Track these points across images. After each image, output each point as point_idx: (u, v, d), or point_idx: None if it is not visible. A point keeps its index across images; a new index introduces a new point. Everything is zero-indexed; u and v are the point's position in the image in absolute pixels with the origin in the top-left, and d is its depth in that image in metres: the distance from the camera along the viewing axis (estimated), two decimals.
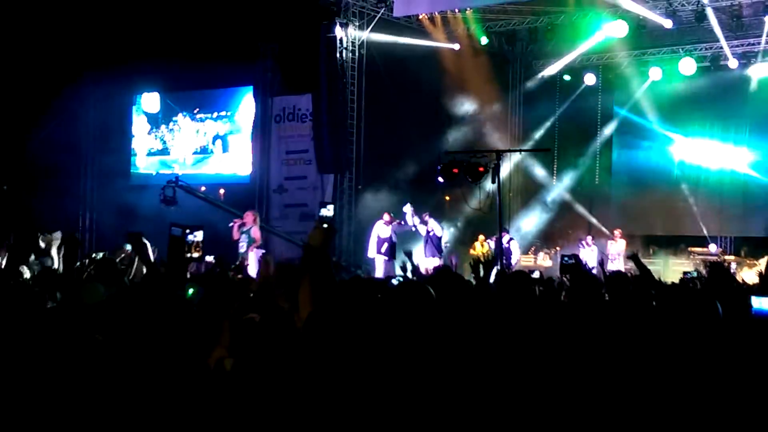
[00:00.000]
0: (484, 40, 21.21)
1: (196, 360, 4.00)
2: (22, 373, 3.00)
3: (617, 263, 18.46)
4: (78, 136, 23.82)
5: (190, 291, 5.31)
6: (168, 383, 3.04)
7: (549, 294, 7.53)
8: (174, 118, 24.11)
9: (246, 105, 23.07)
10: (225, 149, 23.40)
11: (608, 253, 18.83)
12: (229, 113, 23.45)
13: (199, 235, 4.71)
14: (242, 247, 15.99)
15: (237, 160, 23.14)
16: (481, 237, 19.21)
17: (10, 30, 19.79)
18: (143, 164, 24.18)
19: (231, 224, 16.77)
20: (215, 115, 23.61)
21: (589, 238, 19.47)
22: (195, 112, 23.86)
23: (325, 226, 5.21)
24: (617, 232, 19.48)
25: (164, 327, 4.53)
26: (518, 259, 19.01)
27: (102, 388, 2.64)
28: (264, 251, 11.06)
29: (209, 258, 11.79)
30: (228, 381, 3.83)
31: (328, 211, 5.15)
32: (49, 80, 20.87)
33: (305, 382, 3.31)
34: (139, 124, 24.41)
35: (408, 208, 17.99)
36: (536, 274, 9.99)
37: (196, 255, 4.76)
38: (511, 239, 19.02)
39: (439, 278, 6.80)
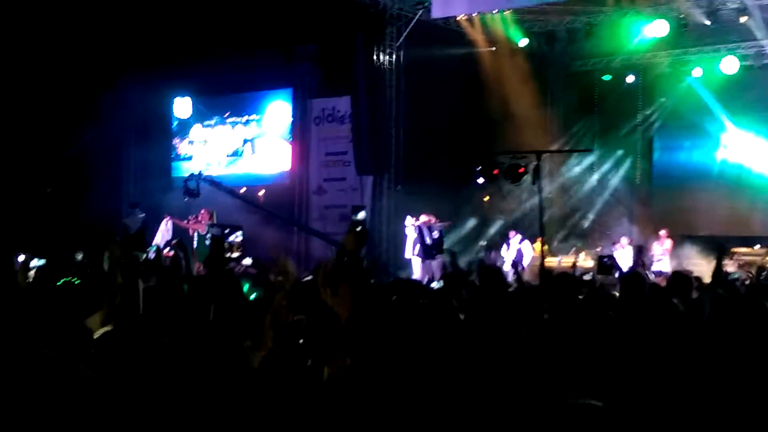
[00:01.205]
0: (523, 42, 21.13)
1: (243, 362, 4.03)
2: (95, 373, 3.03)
3: (662, 264, 18.28)
4: (120, 138, 24.14)
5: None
6: (218, 386, 3.05)
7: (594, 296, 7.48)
8: (206, 123, 24.34)
9: (273, 109, 23.30)
10: (253, 152, 23.59)
11: (652, 253, 18.66)
12: (258, 117, 23.63)
13: (238, 236, 4.77)
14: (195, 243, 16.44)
15: (265, 163, 23.32)
16: (539, 239, 19.21)
17: (52, 33, 20.09)
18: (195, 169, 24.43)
19: (186, 221, 17.39)
20: (245, 119, 23.81)
21: (624, 239, 19.29)
22: (226, 116, 24.08)
23: (359, 229, 5.24)
24: (663, 233, 19.29)
25: (214, 327, 4.58)
26: (531, 260, 18.74)
27: (162, 389, 2.66)
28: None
29: (247, 260, 11.89)
30: (276, 383, 3.85)
31: (361, 214, 5.21)
32: (91, 82, 21.15)
33: (351, 383, 3.31)
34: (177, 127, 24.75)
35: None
36: (588, 276, 9.93)
37: (235, 255, 4.82)
38: (523, 240, 18.86)
39: (485, 279, 6.83)
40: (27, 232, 16.14)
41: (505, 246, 19.01)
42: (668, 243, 18.99)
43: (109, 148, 23.17)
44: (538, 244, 19.11)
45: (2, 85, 20.01)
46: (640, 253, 10.41)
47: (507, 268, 16.97)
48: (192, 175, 19.63)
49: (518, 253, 18.19)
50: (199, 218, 17.83)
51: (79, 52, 20.49)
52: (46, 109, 19.30)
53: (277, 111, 23.37)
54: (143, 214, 17.07)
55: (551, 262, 18.47)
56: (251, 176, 23.20)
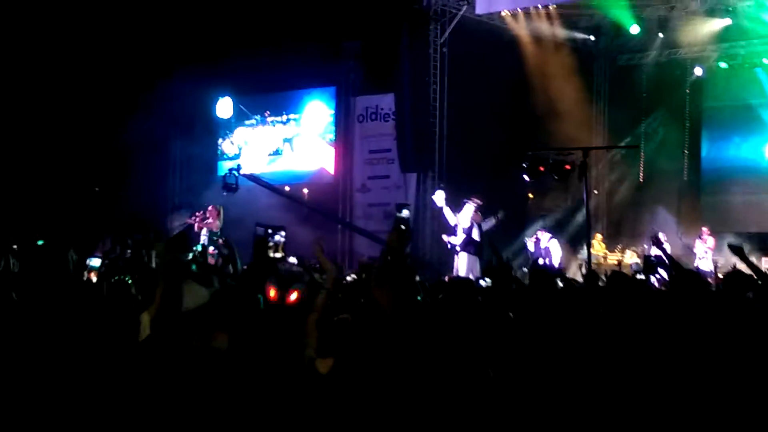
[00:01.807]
0: (568, 36, 20.95)
1: (291, 360, 4.01)
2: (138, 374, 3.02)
3: (705, 262, 18.02)
4: (165, 135, 24.37)
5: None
6: (267, 384, 3.03)
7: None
8: (247, 123, 24.48)
9: (313, 108, 23.38)
10: (293, 151, 23.70)
11: (695, 251, 18.47)
12: (297, 116, 23.71)
13: (281, 236, 4.74)
14: (203, 239, 16.47)
15: (305, 161, 23.44)
16: (599, 235, 19.04)
17: (99, 30, 20.34)
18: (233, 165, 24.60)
19: (193, 217, 17.49)
20: (285, 118, 23.91)
21: (661, 236, 19.06)
22: (267, 115, 24.19)
23: (403, 227, 5.21)
24: (705, 230, 19.02)
25: (260, 327, 4.56)
26: (561, 259, 18.46)
27: (209, 388, 2.65)
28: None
29: (292, 259, 11.90)
30: (324, 382, 3.82)
31: (405, 212, 5.16)
32: (137, 79, 21.36)
33: (399, 378, 3.26)
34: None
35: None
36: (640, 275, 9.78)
37: (278, 255, 4.79)
38: (551, 238, 18.61)
39: (536, 280, 6.74)
40: (78, 231, 16.34)
41: (532, 243, 18.80)
42: (711, 241, 18.72)
43: (155, 145, 23.39)
44: (597, 242, 18.93)
45: (51, 82, 20.31)
46: (659, 243, 9.84)
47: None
48: (231, 170, 19.82)
49: (545, 251, 17.99)
50: (207, 215, 17.99)
51: (127, 48, 20.69)
52: (93, 106, 19.48)
53: (316, 110, 23.44)
54: (188, 215, 17.20)
55: (597, 260, 18.33)
56: (291, 174, 23.28)
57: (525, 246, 19.12)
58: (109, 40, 20.67)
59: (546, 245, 18.21)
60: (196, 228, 17.75)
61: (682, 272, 6.35)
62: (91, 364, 2.98)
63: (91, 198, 20.15)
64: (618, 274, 6.86)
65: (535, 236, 18.81)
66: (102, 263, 7.05)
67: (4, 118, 20.10)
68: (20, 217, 17.60)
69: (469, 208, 17.17)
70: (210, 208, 18.18)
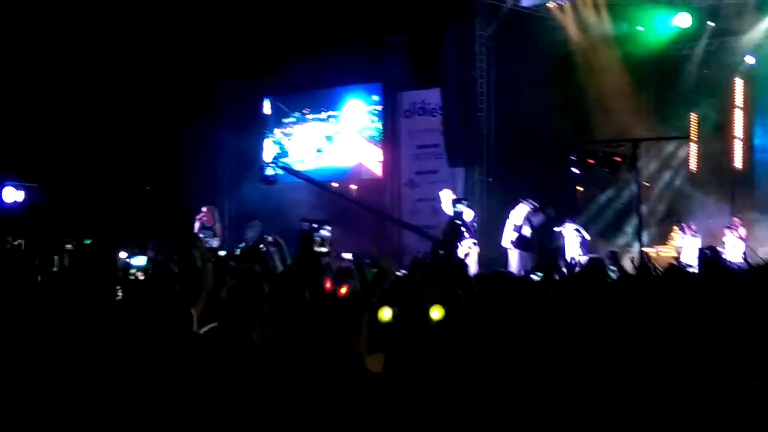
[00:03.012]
0: (616, 27, 20.67)
1: (339, 355, 4.00)
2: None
3: (735, 252, 17.69)
4: (215, 136, 24.61)
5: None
6: (315, 379, 3.02)
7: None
8: (285, 121, 24.61)
9: (352, 104, 23.41)
10: (332, 147, 23.75)
11: (724, 240, 18.20)
12: (336, 113, 23.77)
13: (327, 231, 4.76)
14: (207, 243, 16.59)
15: (344, 158, 23.51)
16: (675, 227, 18.81)
17: (151, 33, 20.62)
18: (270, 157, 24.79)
19: (196, 219, 17.67)
20: (324, 115, 23.99)
21: (693, 225, 18.77)
22: (305, 113, 24.30)
23: (458, 222, 5.18)
24: (736, 219, 18.71)
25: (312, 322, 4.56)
26: (580, 247, 18.11)
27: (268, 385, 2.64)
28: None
29: (347, 255, 11.91)
30: (374, 379, 3.80)
31: (462, 206, 5.04)
32: (190, 79, 21.64)
33: (447, 379, 3.24)
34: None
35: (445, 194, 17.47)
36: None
37: (324, 249, 4.81)
38: (577, 230, 18.24)
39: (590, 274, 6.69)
40: (128, 229, 16.57)
41: (681, 234, 18.63)
42: (743, 231, 18.39)
43: (205, 144, 23.66)
44: (675, 233, 18.65)
45: (106, 83, 20.65)
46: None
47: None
48: (268, 164, 20.00)
49: (561, 238, 17.78)
50: (202, 216, 18.38)
51: (180, 49, 20.94)
52: (146, 107, 19.76)
53: (355, 107, 23.49)
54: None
55: (650, 252, 18.06)
56: (332, 171, 23.36)
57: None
58: (157, 41, 20.92)
59: (570, 235, 17.98)
60: (196, 227, 18.29)
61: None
62: (139, 360, 3.00)
63: (143, 197, 20.39)
64: (674, 269, 6.76)
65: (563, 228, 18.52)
66: (149, 261, 7.14)
67: (59, 119, 20.49)
68: (75, 216, 17.93)
69: (523, 208, 17.16)
70: (204, 209, 18.70)
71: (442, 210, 17.56)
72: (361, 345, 4.27)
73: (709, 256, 8.62)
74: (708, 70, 21.78)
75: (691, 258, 16.74)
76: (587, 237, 17.94)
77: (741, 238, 18.40)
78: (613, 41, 20.93)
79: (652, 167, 22.01)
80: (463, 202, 5.26)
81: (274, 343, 4.28)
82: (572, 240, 18.16)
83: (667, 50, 22.36)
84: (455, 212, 4.86)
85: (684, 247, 18.37)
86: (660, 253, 19.22)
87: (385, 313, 4.70)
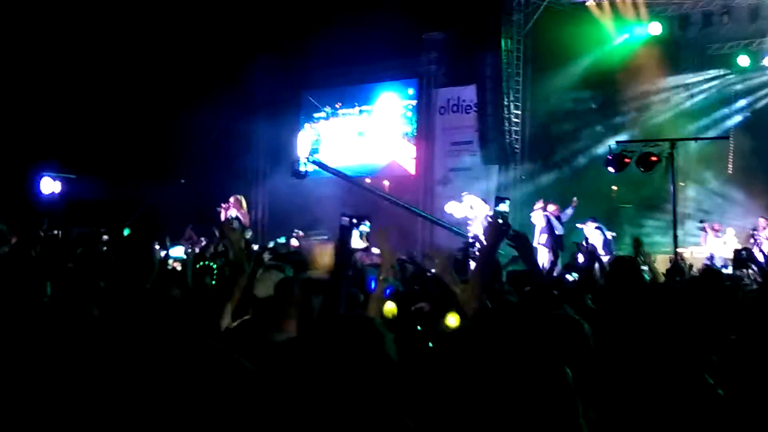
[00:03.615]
0: (655, 25, 20.46)
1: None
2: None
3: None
4: (249, 131, 24.74)
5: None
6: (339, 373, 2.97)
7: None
8: (316, 115, 24.64)
9: (384, 100, 23.34)
10: (365, 143, 23.71)
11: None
12: (369, 108, 23.76)
13: (366, 226, 4.75)
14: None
15: (376, 154, 23.44)
16: (732, 230, 18.66)
17: (183, 28, 20.78)
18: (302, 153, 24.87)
19: (219, 209, 17.56)
20: (357, 110, 23.99)
21: (717, 225, 18.52)
22: (337, 107, 24.32)
23: (500, 221, 5.14)
24: (762, 220, 18.45)
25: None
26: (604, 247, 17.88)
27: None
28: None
29: (375, 250, 11.79)
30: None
31: (504, 206, 5.10)
32: (224, 74, 21.74)
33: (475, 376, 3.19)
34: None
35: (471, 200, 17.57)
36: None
37: (364, 244, 4.79)
38: (598, 228, 18.06)
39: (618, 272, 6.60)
40: (164, 221, 16.72)
41: (704, 235, 18.49)
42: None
43: (238, 138, 23.80)
44: (728, 234, 18.42)
45: (143, 76, 20.83)
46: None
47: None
48: (298, 157, 20.09)
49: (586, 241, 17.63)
50: (231, 206, 18.26)
51: (215, 42, 21.07)
52: (182, 101, 19.90)
53: (389, 102, 23.47)
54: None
55: (684, 251, 17.86)
56: (364, 167, 23.38)
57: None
58: (193, 35, 21.06)
59: (591, 235, 17.86)
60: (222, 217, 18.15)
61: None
62: (173, 352, 3.01)
63: (178, 189, 20.54)
64: (711, 271, 6.68)
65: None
66: (186, 253, 7.19)
67: (96, 112, 20.70)
68: (111, 207, 18.10)
69: (550, 207, 17.19)
70: (232, 199, 18.53)
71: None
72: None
73: (745, 257, 8.43)
74: (747, 69, 21.54)
75: (718, 258, 16.52)
76: (609, 236, 17.75)
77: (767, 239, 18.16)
78: (652, 39, 20.74)
79: (690, 167, 21.80)
80: (506, 201, 5.28)
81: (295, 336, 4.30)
82: (595, 239, 17.99)
83: (707, 50, 22.14)
84: (497, 212, 4.88)
85: (709, 248, 18.14)
86: (693, 254, 19.04)
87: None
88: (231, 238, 5.15)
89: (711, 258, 17.09)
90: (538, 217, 17.44)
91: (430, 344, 4.52)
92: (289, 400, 2.52)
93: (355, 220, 4.62)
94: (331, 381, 2.56)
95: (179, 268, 6.09)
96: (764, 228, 18.38)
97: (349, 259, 4.85)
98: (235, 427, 2.34)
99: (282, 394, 2.53)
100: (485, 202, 17.67)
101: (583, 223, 17.97)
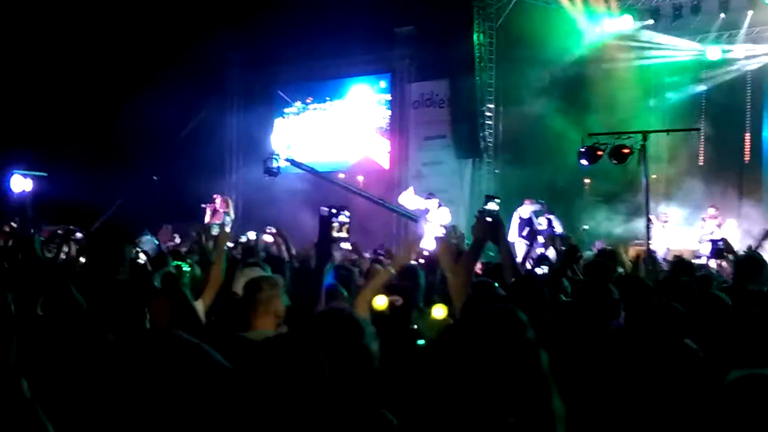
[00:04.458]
0: (626, 20, 20.59)
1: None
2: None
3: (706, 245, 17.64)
4: (223, 128, 24.68)
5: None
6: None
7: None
8: (287, 111, 24.58)
9: (356, 92, 23.34)
10: (337, 138, 23.68)
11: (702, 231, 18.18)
12: (341, 102, 23.73)
13: (345, 216, 4.77)
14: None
15: (348, 149, 23.40)
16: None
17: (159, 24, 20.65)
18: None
19: (204, 206, 17.54)
20: (328, 104, 23.94)
21: (663, 215, 18.71)
22: (308, 102, 24.26)
23: (489, 219, 5.17)
24: (711, 210, 18.66)
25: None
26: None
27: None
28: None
29: (346, 245, 11.77)
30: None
31: (492, 205, 5.10)
32: (197, 70, 21.65)
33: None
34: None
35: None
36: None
37: (343, 235, 4.81)
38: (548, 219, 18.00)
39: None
40: (137, 219, 16.59)
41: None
42: (720, 220, 18.34)
43: (211, 134, 23.70)
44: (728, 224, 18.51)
45: (112, 73, 20.69)
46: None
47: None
48: (272, 155, 20.08)
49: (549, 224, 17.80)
50: (218, 206, 18.23)
51: (185, 39, 20.94)
52: (153, 97, 19.75)
53: (362, 95, 23.44)
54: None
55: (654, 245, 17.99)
56: (335, 162, 23.35)
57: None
58: (163, 30, 20.95)
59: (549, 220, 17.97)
60: (208, 218, 18.07)
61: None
62: (145, 347, 2.96)
63: (151, 186, 20.43)
64: (682, 262, 6.74)
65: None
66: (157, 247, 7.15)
67: (66, 109, 20.54)
68: (84, 205, 17.97)
69: (528, 207, 17.29)
70: (219, 199, 18.52)
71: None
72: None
73: (722, 247, 8.48)
74: (719, 63, 21.72)
75: (660, 248, 16.57)
76: (558, 229, 17.78)
77: (718, 226, 18.34)
78: (623, 33, 20.87)
79: (661, 159, 21.95)
80: (496, 199, 5.24)
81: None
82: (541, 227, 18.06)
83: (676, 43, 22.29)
84: (486, 210, 4.89)
85: (655, 236, 18.26)
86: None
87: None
88: (220, 245, 5.10)
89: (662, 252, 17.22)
90: (525, 211, 17.50)
91: (421, 342, 4.51)
92: (267, 397, 2.50)
93: (334, 210, 4.63)
94: (310, 374, 2.54)
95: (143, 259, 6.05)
96: (713, 217, 18.52)
97: (330, 248, 4.86)
98: (210, 425, 2.32)
99: (259, 392, 2.50)
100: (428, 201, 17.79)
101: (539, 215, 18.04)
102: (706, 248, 17.34)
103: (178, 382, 2.29)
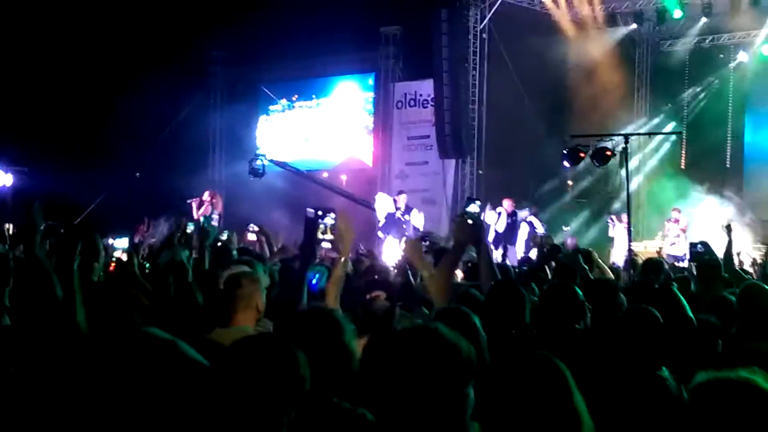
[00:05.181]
0: (609, 22, 20.69)
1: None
2: None
3: (678, 247, 17.73)
4: (207, 125, 24.61)
5: (315, 273, 5.36)
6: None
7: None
8: (272, 108, 24.52)
9: (342, 91, 23.30)
10: (322, 136, 23.65)
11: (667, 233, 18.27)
12: (326, 100, 23.71)
13: (331, 218, 4.76)
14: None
15: (333, 148, 23.37)
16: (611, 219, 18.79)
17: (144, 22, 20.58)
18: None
19: (190, 201, 17.47)
20: (314, 102, 23.90)
21: (624, 216, 18.83)
22: (294, 99, 24.22)
23: (470, 221, 5.16)
24: (675, 213, 18.76)
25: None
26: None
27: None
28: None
29: (326, 244, 11.65)
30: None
31: (473, 207, 5.12)
32: (181, 67, 21.58)
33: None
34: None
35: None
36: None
37: (329, 237, 4.80)
38: (531, 213, 18.21)
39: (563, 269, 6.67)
40: (117, 214, 16.51)
41: (610, 225, 18.69)
42: (684, 222, 18.45)
43: (196, 130, 23.64)
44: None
45: (96, 68, 20.59)
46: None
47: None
48: (257, 155, 20.07)
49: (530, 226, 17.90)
50: (209, 199, 18.13)
51: (169, 35, 20.87)
52: (138, 94, 19.68)
53: (348, 93, 23.41)
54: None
55: (637, 247, 18.05)
56: (320, 161, 23.33)
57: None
58: (147, 25, 20.88)
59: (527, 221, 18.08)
60: (195, 214, 17.94)
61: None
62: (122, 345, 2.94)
63: (133, 183, 20.35)
64: (652, 262, 6.77)
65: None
66: (132, 244, 7.09)
67: (48, 104, 20.43)
68: (64, 201, 17.86)
69: (492, 213, 17.40)
70: (209, 193, 18.43)
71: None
72: None
73: (701, 250, 8.52)
74: (701, 66, 21.86)
75: (620, 252, 16.64)
76: (539, 230, 17.84)
77: (682, 229, 18.44)
78: (607, 36, 20.96)
79: (644, 162, 22.07)
80: (476, 201, 5.24)
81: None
82: (524, 232, 18.12)
83: (661, 46, 22.43)
84: (467, 213, 4.90)
85: (617, 237, 18.33)
86: (647, 248, 19.27)
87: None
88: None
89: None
90: (491, 216, 17.59)
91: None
92: (244, 396, 2.48)
93: (320, 212, 4.62)
94: (288, 372, 2.53)
95: (124, 258, 6.02)
96: (676, 221, 18.60)
97: (314, 250, 4.85)
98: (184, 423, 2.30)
99: (232, 389, 2.48)
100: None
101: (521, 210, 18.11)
102: (676, 250, 17.50)
103: (152, 379, 2.28)
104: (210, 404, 2.40)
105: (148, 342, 2.43)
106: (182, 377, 2.34)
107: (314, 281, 5.44)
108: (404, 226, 17.27)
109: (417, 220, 17.84)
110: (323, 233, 4.60)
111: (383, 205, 18.12)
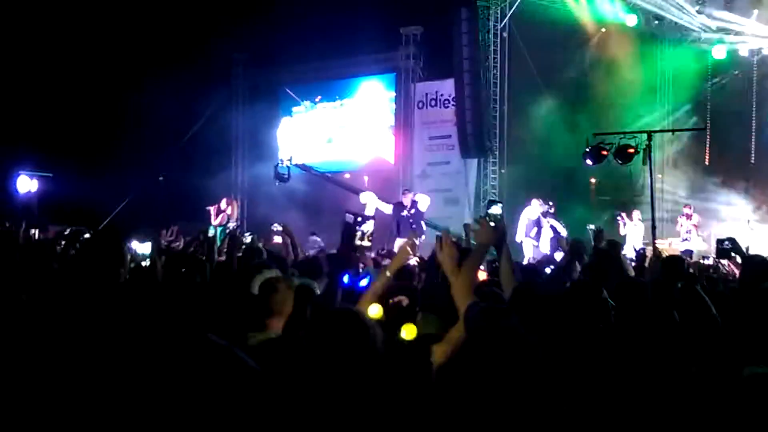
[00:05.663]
0: (631, 18, 20.57)
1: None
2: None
3: (691, 243, 17.63)
4: (229, 128, 24.72)
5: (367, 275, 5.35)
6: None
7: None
8: (295, 109, 24.55)
9: (366, 92, 23.29)
10: (345, 136, 23.67)
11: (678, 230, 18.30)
12: (350, 101, 23.70)
13: (369, 226, 4.74)
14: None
15: (358, 149, 23.39)
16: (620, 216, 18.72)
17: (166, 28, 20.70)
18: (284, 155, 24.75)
19: (209, 207, 17.56)
20: (338, 103, 23.90)
21: (635, 213, 18.67)
22: (317, 100, 24.23)
23: (492, 224, 5.16)
24: (687, 209, 18.65)
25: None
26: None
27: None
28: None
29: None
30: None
31: (497, 208, 5.09)
32: (205, 70, 21.67)
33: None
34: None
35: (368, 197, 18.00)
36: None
37: (366, 243, 4.78)
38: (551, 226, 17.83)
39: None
40: (142, 219, 16.61)
41: (619, 223, 18.61)
42: (696, 218, 18.32)
43: (219, 134, 23.76)
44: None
45: (120, 73, 20.72)
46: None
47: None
48: (282, 160, 20.16)
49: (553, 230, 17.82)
50: (225, 207, 18.27)
51: (192, 38, 20.96)
52: (162, 96, 19.78)
53: (372, 93, 23.40)
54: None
55: (661, 244, 17.95)
56: (345, 162, 23.34)
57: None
58: (174, 28, 20.99)
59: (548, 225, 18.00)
60: (213, 219, 18.20)
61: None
62: (173, 348, 2.97)
63: (157, 186, 20.44)
64: (674, 259, 6.72)
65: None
66: (155, 250, 7.11)
67: (73, 110, 20.58)
68: (90, 206, 18.00)
69: (536, 204, 17.31)
70: (228, 201, 18.58)
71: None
72: None
73: (729, 247, 8.33)
74: (724, 62, 21.69)
75: (634, 246, 16.55)
76: (563, 233, 17.74)
77: (695, 225, 18.33)
78: (629, 32, 20.85)
79: (667, 159, 21.94)
80: (499, 203, 5.18)
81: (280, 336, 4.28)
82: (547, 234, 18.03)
83: (683, 42, 22.26)
84: (489, 215, 4.88)
85: (628, 235, 18.23)
86: (672, 245, 19.17)
87: (373, 310, 4.68)
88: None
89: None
90: (533, 212, 17.50)
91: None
92: (286, 397, 2.51)
93: (359, 219, 4.61)
94: (320, 374, 2.55)
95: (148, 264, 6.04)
96: (688, 216, 18.48)
97: (351, 256, 4.84)
98: (231, 424, 2.33)
99: (279, 392, 2.51)
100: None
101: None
102: (687, 246, 17.42)
103: (206, 383, 2.30)
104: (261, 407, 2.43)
105: (210, 348, 2.46)
106: (239, 381, 2.37)
107: (365, 282, 5.44)
108: (410, 221, 17.19)
109: (423, 203, 17.79)
110: (360, 240, 4.58)
111: (370, 203, 18.12)
